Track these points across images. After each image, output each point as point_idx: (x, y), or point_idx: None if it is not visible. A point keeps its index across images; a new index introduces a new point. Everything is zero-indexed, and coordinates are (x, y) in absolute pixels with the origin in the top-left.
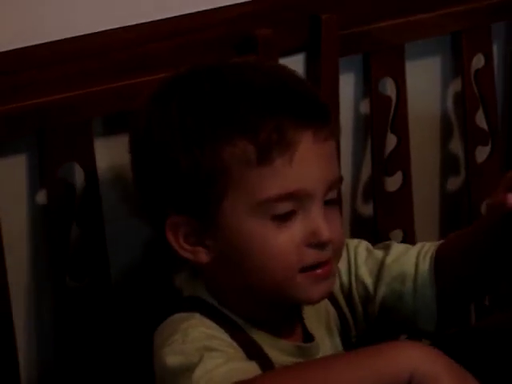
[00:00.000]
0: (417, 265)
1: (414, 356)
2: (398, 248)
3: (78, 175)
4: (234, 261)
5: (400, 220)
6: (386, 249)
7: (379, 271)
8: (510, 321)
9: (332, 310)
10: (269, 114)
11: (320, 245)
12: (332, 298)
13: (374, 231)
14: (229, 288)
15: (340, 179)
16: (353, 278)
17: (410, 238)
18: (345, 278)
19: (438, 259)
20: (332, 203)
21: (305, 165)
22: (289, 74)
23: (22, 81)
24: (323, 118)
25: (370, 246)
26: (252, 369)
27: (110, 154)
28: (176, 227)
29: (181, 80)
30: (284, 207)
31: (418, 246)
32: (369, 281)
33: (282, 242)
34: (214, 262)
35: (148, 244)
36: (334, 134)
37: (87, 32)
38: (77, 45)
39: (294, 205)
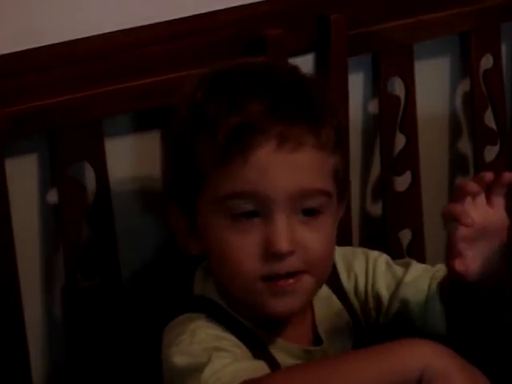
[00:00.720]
0: (430, 285)
1: (425, 353)
2: (417, 268)
3: (89, 175)
4: (213, 262)
5: (409, 220)
6: (406, 267)
7: (396, 287)
8: None
9: (347, 316)
10: (235, 111)
11: (275, 255)
12: (348, 304)
13: (382, 231)
14: (223, 286)
15: (322, 191)
16: (369, 288)
17: (418, 238)
18: (361, 287)
19: (442, 286)
20: (316, 213)
21: (260, 170)
22: (287, 73)
23: (33, 82)
24: (297, 122)
25: (389, 259)
26: (260, 368)
27: (122, 153)
28: (177, 214)
29: (197, 77)
30: (242, 206)
31: (436, 267)
32: (385, 294)
33: (238, 248)
34: (208, 258)
35: (158, 243)
36: (319, 144)
37: (99, 33)
38: (86, 46)
39: (255, 207)
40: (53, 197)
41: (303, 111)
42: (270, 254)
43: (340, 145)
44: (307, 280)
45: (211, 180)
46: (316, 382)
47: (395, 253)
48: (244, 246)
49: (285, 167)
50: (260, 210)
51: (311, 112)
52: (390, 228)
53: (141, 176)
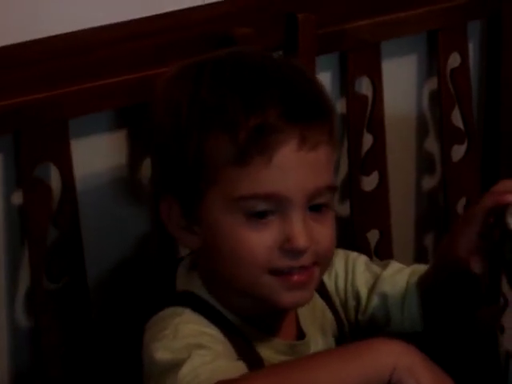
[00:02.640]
0: (408, 281)
1: (395, 351)
2: (395, 265)
3: (55, 176)
4: (213, 253)
5: (377, 220)
6: (385, 266)
7: (374, 283)
8: (487, 318)
9: (330, 315)
10: (253, 113)
11: (293, 252)
12: (330, 303)
13: (350, 231)
14: (219, 280)
15: (330, 187)
16: (349, 286)
17: (386, 238)
18: (341, 285)
19: (422, 281)
20: (322, 208)
21: (283, 170)
22: (293, 70)
23: None
24: (314, 122)
25: (368, 260)
26: (238, 368)
27: (87, 154)
28: (170, 208)
29: (188, 68)
30: (258, 206)
31: (414, 265)
32: (364, 291)
33: (253, 241)
34: (205, 251)
35: (125, 244)
36: (331, 141)
37: (68, 31)
38: (55, 44)
39: (271, 206)
40: (18, 198)
41: (317, 110)
42: (288, 250)
43: (338, 142)
44: (316, 271)
45: (226, 178)
46: (292, 382)
47: (363, 253)
48: (259, 241)
49: (305, 166)
50: (276, 209)
51: (323, 110)
52: (358, 228)
53: (107, 177)
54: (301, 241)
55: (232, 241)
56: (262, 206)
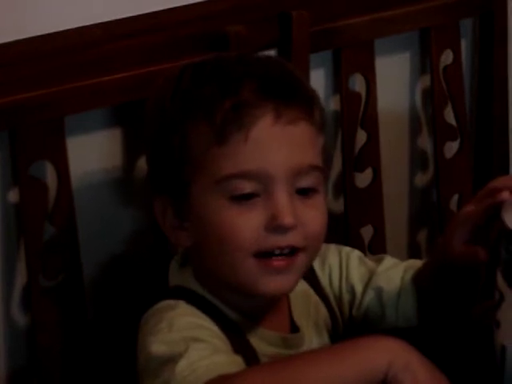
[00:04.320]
0: (403, 277)
1: (391, 348)
2: (389, 260)
3: (51, 173)
4: (202, 245)
5: (370, 216)
6: (380, 260)
7: (370, 278)
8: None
9: (324, 309)
10: (228, 95)
11: (279, 229)
12: (324, 298)
13: (344, 227)
14: (210, 275)
15: (315, 167)
16: (343, 281)
17: (379, 234)
18: (335, 281)
19: (418, 277)
20: (310, 192)
21: (261, 145)
22: (270, 60)
23: None
24: (290, 98)
25: (362, 255)
26: (236, 362)
27: (83, 151)
28: (163, 208)
29: (175, 70)
30: (242, 187)
31: (409, 260)
32: (358, 286)
33: (238, 224)
34: (195, 247)
35: (121, 241)
36: (312, 120)
37: (60, 29)
38: (49, 42)
39: (255, 187)
40: (14, 196)
41: (294, 90)
42: (274, 227)
43: (324, 129)
44: (301, 258)
45: (208, 162)
46: (288, 379)
47: (357, 249)
48: (244, 224)
49: (283, 141)
50: (260, 190)
51: (302, 92)
52: (352, 224)
53: (103, 174)
54: (286, 217)
55: (217, 226)
56: (245, 187)
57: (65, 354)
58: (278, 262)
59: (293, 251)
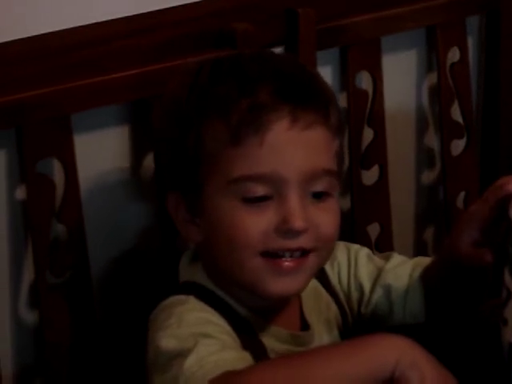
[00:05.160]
0: (411, 274)
1: (398, 345)
2: (397, 258)
3: (58, 170)
4: (212, 241)
5: (377, 213)
6: (388, 258)
7: (378, 275)
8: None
9: (334, 307)
10: (245, 95)
11: (290, 232)
12: (334, 295)
13: (351, 225)
14: (220, 272)
15: (328, 171)
16: (352, 279)
17: (386, 232)
18: (344, 278)
19: (426, 275)
20: (324, 195)
21: (276, 149)
22: (288, 60)
23: (0, 77)
24: (307, 102)
25: (370, 253)
26: (244, 359)
27: (91, 149)
28: (176, 203)
29: (191, 66)
30: (255, 190)
31: (417, 258)
32: (367, 283)
33: (247, 224)
34: (205, 243)
35: (128, 238)
36: (328, 124)
37: (70, 26)
38: (58, 39)
39: (268, 190)
40: (21, 193)
41: (311, 93)
42: (284, 231)
43: (340, 130)
44: (312, 259)
45: (222, 162)
46: (296, 377)
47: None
48: (254, 224)
49: (298, 145)
50: (273, 192)
51: (319, 94)
52: (359, 222)
53: (110, 171)
54: (296, 221)
55: (227, 225)
56: (258, 190)
57: (72, 351)
58: (287, 264)
59: (304, 253)
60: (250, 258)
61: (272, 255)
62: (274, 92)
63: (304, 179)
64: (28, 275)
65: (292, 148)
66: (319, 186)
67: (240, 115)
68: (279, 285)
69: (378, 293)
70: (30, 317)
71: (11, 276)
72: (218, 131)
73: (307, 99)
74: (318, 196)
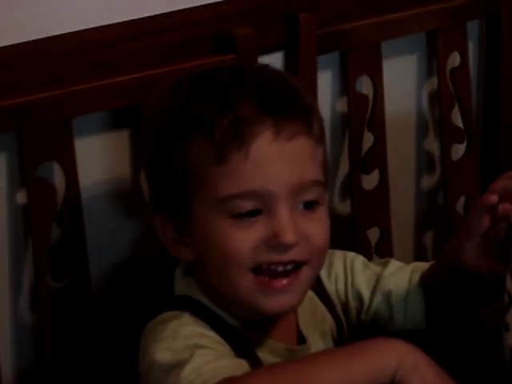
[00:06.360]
0: (410, 279)
1: (399, 350)
2: (395, 264)
3: (58, 174)
4: (204, 260)
5: (377, 218)
6: (385, 264)
7: (377, 282)
8: (489, 317)
9: (330, 318)
10: (226, 111)
11: (280, 247)
12: (330, 306)
13: (351, 229)
14: (214, 289)
15: (316, 182)
16: (349, 287)
17: (386, 237)
18: (341, 287)
19: (425, 279)
20: (313, 205)
21: (262, 164)
22: (266, 71)
23: (1, 80)
24: (289, 112)
25: (366, 260)
26: (241, 366)
27: (91, 153)
28: (164, 224)
29: (171, 82)
30: (244, 206)
31: (415, 263)
32: (365, 291)
33: (238, 240)
34: (198, 261)
35: (129, 243)
36: (311, 133)
37: (70, 30)
38: (58, 43)
39: (257, 204)
40: (22, 197)
41: (293, 104)
42: (275, 245)
43: (323, 138)
44: (305, 273)
45: (208, 181)
46: (295, 382)
47: (363, 251)
48: (244, 240)
49: (284, 158)
50: (262, 207)
51: (301, 105)
52: (359, 226)
53: (111, 176)
54: (287, 235)
55: (218, 243)
56: (246, 206)
57: (71, 354)
58: (278, 283)
59: (297, 266)
60: (242, 276)
61: (264, 272)
62: (255, 105)
63: (292, 192)
64: (28, 279)
65: (278, 161)
66: (307, 196)
67: (223, 131)
68: (273, 303)
69: (378, 299)
70: (29, 320)
71: (12, 280)
72: (203, 149)
73: (289, 109)
74: (307, 206)
